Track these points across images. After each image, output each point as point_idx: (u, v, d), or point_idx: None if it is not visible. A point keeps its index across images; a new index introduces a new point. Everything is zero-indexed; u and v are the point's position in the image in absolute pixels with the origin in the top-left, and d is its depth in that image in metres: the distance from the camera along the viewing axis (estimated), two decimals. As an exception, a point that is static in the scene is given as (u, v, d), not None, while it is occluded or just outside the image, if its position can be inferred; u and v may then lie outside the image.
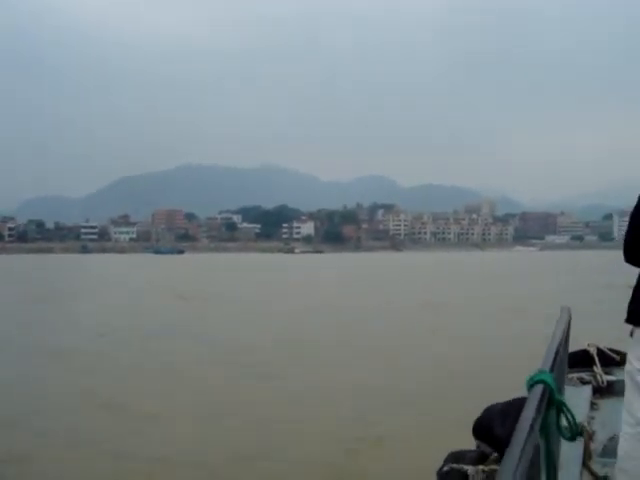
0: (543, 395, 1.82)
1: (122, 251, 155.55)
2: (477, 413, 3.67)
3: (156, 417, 10.21)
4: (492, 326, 20.18)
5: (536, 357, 2.36)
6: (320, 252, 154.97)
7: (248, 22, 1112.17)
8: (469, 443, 3.68)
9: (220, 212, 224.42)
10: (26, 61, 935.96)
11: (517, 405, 2.44)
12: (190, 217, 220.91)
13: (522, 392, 2.06)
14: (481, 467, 3.22)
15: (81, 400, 11.36)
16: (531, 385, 1.89)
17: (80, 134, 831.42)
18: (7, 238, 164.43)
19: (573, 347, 4.10)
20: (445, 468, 3.34)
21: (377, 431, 9.30)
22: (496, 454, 3.25)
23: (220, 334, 19.74)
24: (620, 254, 2.79)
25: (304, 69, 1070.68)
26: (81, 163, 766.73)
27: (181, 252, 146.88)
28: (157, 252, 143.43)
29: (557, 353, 2.38)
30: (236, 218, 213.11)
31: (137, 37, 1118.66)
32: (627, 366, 2.72)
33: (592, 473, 3.16)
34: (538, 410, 1.68)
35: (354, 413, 10.31)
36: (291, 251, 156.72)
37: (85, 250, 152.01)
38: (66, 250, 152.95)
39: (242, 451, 8.59)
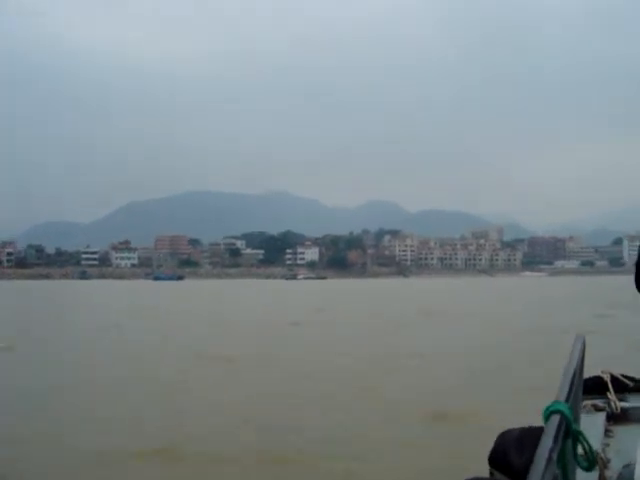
0: (560, 425, 1.82)
1: (122, 277, 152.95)
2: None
3: None
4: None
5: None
6: (323, 278, 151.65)
7: (247, 50, 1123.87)
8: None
9: (224, 238, 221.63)
10: (28, 86, 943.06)
11: (533, 434, 2.41)
12: (194, 243, 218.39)
13: (537, 420, 2.06)
14: None
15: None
16: (548, 415, 1.89)
17: (86, 160, 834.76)
18: (5, 263, 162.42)
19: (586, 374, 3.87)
20: None
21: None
22: None
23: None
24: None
25: (305, 97, 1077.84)
26: (88, 189, 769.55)
27: (181, 278, 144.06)
28: (156, 278, 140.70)
29: (572, 382, 2.37)
30: (240, 244, 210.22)
31: (139, 62, 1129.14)
32: None
33: None
34: (555, 440, 1.69)
35: None
36: (294, 277, 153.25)
37: (84, 276, 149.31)
38: (65, 276, 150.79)
39: None
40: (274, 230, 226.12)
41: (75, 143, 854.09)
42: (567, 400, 2.05)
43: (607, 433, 4.10)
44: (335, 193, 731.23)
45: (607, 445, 3.86)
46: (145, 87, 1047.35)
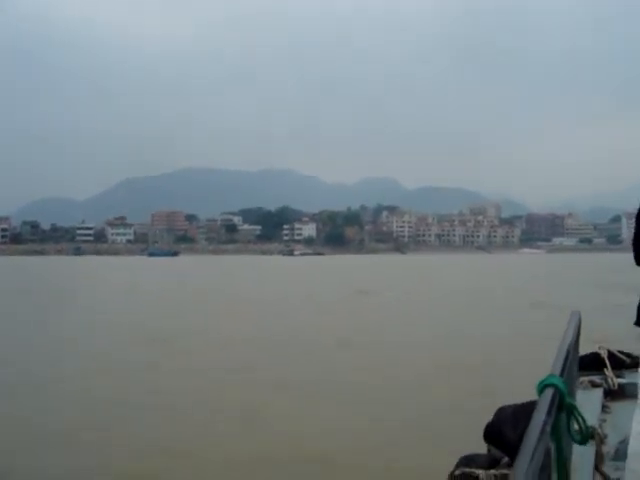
0: (553, 399, 1.83)
1: (116, 253, 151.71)
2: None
3: None
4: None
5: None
6: (321, 254, 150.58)
7: (247, 24, 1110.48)
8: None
9: (222, 214, 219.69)
10: (27, 64, 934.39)
11: (528, 409, 2.47)
12: (191, 219, 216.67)
13: (533, 395, 2.06)
14: (492, 471, 3.28)
15: None
16: (541, 389, 1.91)
17: (83, 136, 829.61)
18: (0, 239, 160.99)
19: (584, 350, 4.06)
20: (457, 472, 3.40)
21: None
22: (507, 458, 3.31)
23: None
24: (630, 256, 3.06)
25: (305, 70, 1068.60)
26: (86, 165, 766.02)
27: (175, 254, 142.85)
28: (151, 254, 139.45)
29: (567, 357, 2.41)
30: (237, 220, 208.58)
31: (138, 40, 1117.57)
32: None
33: (604, 476, 3.17)
34: (549, 414, 1.70)
35: None
36: (290, 253, 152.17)
37: (78, 252, 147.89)
38: (59, 252, 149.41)
39: None
40: (272, 206, 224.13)
41: (75, 119, 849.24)
42: (561, 374, 2.05)
43: (604, 409, 4.16)
44: (335, 170, 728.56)
45: (604, 420, 3.94)
46: (147, 65, 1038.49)
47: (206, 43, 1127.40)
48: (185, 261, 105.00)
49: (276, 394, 11.58)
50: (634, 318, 2.89)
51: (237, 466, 7.98)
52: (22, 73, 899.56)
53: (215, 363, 14.61)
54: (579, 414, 2.07)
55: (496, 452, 3.44)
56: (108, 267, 78.65)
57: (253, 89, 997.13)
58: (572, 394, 2.72)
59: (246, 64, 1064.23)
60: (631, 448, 2.62)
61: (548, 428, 1.66)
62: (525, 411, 2.84)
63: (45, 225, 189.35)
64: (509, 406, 3.59)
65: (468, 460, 3.46)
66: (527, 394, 2.96)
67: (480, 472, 3.23)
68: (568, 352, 2.46)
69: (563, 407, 1.96)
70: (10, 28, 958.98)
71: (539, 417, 1.62)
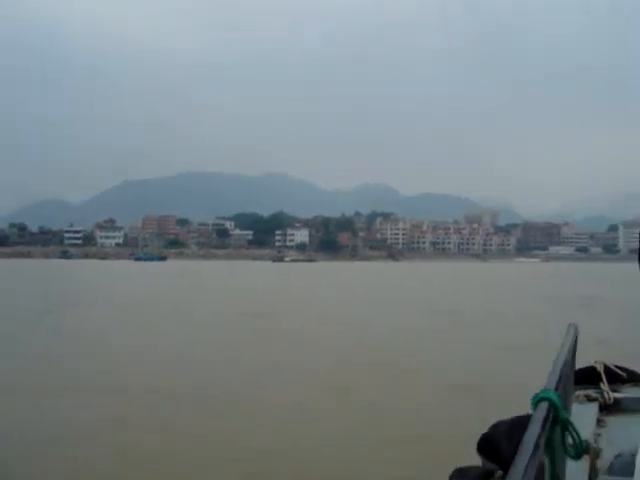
0: (548, 413, 1.81)
1: (105, 257, 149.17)
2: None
3: None
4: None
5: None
6: (312, 261, 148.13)
7: (245, 28, 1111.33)
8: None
9: (217, 218, 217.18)
10: (25, 65, 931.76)
11: (523, 423, 2.37)
12: (183, 223, 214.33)
13: (528, 409, 2.02)
14: None
15: None
16: (536, 403, 1.89)
17: (80, 138, 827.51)
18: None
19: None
20: None
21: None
22: (501, 471, 3.02)
23: None
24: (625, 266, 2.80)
25: (304, 77, 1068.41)
26: (82, 168, 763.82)
27: (163, 259, 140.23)
28: (137, 259, 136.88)
29: (563, 371, 2.40)
30: (229, 224, 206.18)
31: (138, 44, 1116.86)
32: None
33: None
34: (543, 427, 1.68)
35: None
36: (281, 259, 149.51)
37: (65, 255, 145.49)
38: (46, 255, 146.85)
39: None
40: (269, 212, 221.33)
41: (72, 122, 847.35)
42: (556, 388, 2.02)
43: (599, 423, 4.05)
44: (332, 176, 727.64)
45: (599, 435, 3.80)
46: (146, 68, 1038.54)
47: (203, 46, 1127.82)
48: (165, 266, 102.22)
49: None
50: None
51: None
52: (21, 70, 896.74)
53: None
54: (574, 429, 2.04)
55: (490, 465, 3.08)
56: (77, 272, 75.55)
57: (251, 93, 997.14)
58: (567, 408, 2.67)
59: (244, 67, 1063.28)
60: (638, 462, 2.57)
61: (542, 442, 1.64)
62: (520, 424, 2.58)
63: (35, 228, 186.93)
64: (506, 419, 3.21)
65: (461, 473, 3.08)
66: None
67: None
68: (564, 366, 2.41)
69: (558, 421, 1.93)
70: (6, 34, 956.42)
71: (533, 431, 1.59)
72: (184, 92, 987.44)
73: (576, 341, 3.17)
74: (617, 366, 4.79)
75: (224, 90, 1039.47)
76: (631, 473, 2.78)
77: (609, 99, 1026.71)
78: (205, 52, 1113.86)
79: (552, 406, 1.85)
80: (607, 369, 4.63)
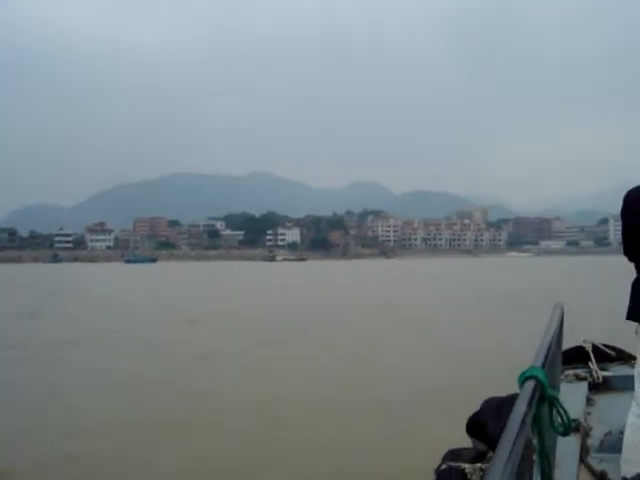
0: (534, 390, 1.81)
1: (95, 260, 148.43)
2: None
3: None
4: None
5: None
6: (304, 260, 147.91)
7: (233, 30, 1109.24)
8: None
9: (208, 219, 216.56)
10: (19, 70, 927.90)
11: (511, 402, 2.43)
12: (174, 224, 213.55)
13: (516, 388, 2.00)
14: (479, 465, 3.29)
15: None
16: (523, 381, 1.89)
17: (70, 142, 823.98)
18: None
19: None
20: (443, 466, 3.39)
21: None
22: (492, 453, 3.27)
23: None
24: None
25: (294, 76, 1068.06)
26: (73, 172, 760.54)
27: (154, 260, 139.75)
28: (127, 261, 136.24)
29: (549, 349, 2.40)
30: (219, 225, 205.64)
31: (125, 47, 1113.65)
32: (637, 367, 2.90)
33: (589, 468, 3.19)
34: (529, 405, 1.68)
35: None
36: (272, 259, 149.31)
37: (55, 259, 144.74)
38: (36, 259, 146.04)
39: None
40: (258, 212, 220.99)
41: (62, 127, 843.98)
42: (543, 366, 2.03)
43: (589, 401, 4.12)
44: (321, 175, 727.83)
45: (589, 413, 3.87)
46: (133, 70, 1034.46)
47: (194, 48, 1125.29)
48: (154, 269, 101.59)
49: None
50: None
51: None
52: (9, 80, 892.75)
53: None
54: (561, 406, 2.04)
55: (480, 445, 3.41)
56: (54, 276, 74.17)
57: (240, 95, 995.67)
58: (555, 386, 2.69)
59: (233, 70, 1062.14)
60: (627, 439, 2.62)
61: (529, 419, 1.63)
62: (508, 403, 2.74)
63: (26, 232, 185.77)
64: (494, 398, 3.49)
65: (454, 454, 3.40)
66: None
67: (466, 466, 3.20)
68: (550, 344, 2.41)
69: (544, 399, 1.93)
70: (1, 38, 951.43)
71: (519, 409, 1.59)
72: (170, 94, 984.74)
73: (562, 320, 3.19)
74: (605, 345, 4.94)
75: (208, 90, 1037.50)
76: (621, 450, 2.80)
77: (593, 92, 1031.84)
78: (189, 51, 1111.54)
79: (539, 384, 1.84)
80: (595, 348, 4.76)
